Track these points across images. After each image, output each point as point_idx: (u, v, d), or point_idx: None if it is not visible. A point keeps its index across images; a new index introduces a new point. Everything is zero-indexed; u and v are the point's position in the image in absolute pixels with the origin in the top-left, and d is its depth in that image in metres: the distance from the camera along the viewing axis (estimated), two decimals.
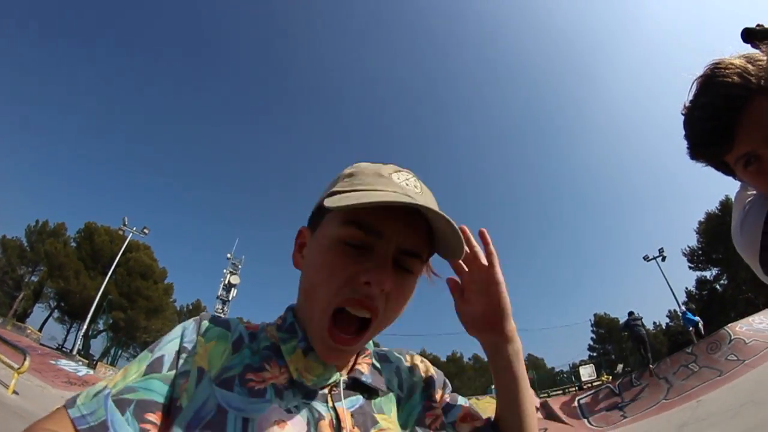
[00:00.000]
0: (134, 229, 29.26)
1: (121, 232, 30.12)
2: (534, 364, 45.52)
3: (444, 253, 0.67)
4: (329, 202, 0.57)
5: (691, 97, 0.90)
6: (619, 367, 19.49)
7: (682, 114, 0.93)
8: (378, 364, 0.74)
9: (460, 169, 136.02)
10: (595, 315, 43.32)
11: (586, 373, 20.30)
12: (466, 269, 0.75)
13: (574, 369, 25.24)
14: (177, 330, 0.64)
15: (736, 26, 0.86)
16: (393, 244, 0.61)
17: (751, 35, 0.84)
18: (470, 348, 50.95)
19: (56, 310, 35.24)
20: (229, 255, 40.28)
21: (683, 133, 0.93)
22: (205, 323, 0.64)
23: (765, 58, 0.80)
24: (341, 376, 0.65)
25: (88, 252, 32.89)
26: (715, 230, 32.03)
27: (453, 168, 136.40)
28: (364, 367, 0.69)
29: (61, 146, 76.96)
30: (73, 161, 77.90)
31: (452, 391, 0.80)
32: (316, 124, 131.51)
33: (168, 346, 0.61)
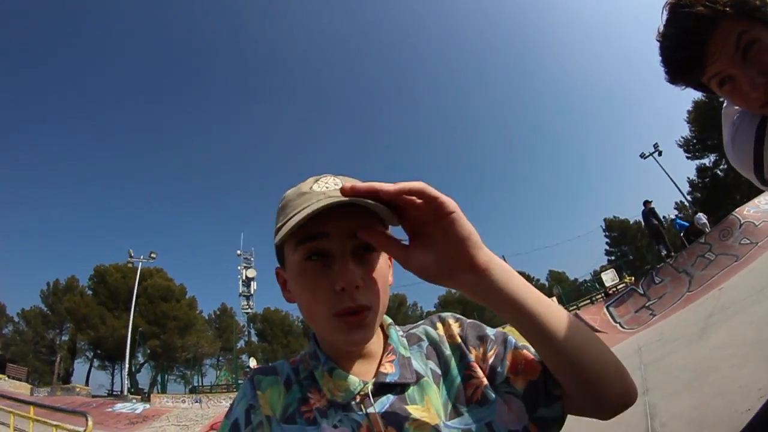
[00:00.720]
0: (141, 257, 29.48)
1: (130, 265, 30.43)
2: (557, 278, 46.26)
3: (388, 223, 0.65)
4: (277, 240, 0.64)
5: (662, 25, 0.94)
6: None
7: (657, 41, 0.97)
8: (406, 353, 0.74)
9: (451, 96, 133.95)
10: (605, 220, 43.79)
11: (609, 278, 20.52)
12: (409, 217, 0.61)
13: (597, 276, 25.75)
14: (239, 393, 0.72)
15: None
16: (342, 236, 0.63)
17: None
18: None
19: (95, 359, 36.13)
20: (239, 252, 40.52)
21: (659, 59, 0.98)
22: (258, 377, 0.73)
23: None
24: (367, 383, 0.68)
25: (106, 294, 33.25)
26: (705, 117, 31.82)
27: (440, 96, 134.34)
28: (388, 367, 0.71)
29: (47, 203, 76.62)
30: (64, 213, 77.87)
31: (497, 338, 0.76)
32: (300, 108, 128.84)
33: (237, 408, 0.69)
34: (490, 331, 0.78)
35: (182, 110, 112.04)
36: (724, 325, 6.16)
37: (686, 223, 17.51)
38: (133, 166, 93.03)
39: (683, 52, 0.90)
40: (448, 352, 0.76)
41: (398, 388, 0.68)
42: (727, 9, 0.82)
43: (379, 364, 0.72)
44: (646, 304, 13.17)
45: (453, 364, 0.74)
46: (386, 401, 0.67)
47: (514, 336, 0.76)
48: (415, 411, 0.66)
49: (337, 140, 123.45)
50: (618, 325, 13.21)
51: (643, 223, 15.83)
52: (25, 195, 76.04)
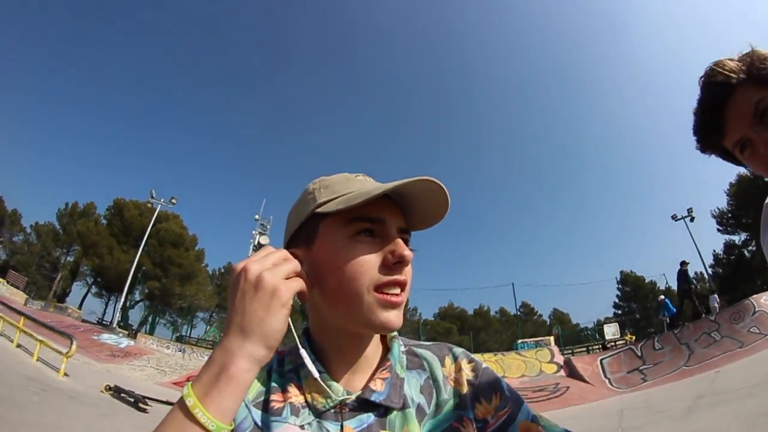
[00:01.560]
0: (162, 200, 29.71)
1: (149, 205, 30.82)
2: (559, 318, 45.60)
3: (416, 223, 0.74)
4: (332, 207, 0.67)
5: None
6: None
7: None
8: (402, 374, 0.72)
9: (484, 119, 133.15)
10: (621, 272, 42.97)
11: (610, 331, 20.42)
12: None
13: (599, 326, 25.42)
14: None
15: None
16: (394, 226, 0.68)
17: None
18: (497, 302, 51.40)
19: (93, 286, 36.98)
20: (257, 216, 40.95)
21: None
22: None
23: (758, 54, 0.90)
24: (350, 395, 0.66)
25: (119, 227, 34.00)
26: (746, 193, 30.93)
27: (476, 118, 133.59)
28: (378, 384, 0.69)
29: (82, 128, 78.75)
30: (95, 139, 79.87)
31: (512, 396, 0.73)
32: (340, 81, 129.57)
33: None
34: (505, 386, 0.75)
35: (238, 74, 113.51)
36: (711, 411, 6.03)
37: (674, 309, 17.38)
38: (177, 116, 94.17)
39: (705, 115, 0.97)
40: (445, 396, 0.72)
41: (381, 410, 0.67)
42: (743, 76, 0.89)
43: (371, 377, 0.70)
44: (640, 367, 13.07)
45: (446, 409, 0.71)
46: (365, 419, 0.65)
47: (499, 371, 0.74)
48: None
49: (377, 140, 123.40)
50: (607, 380, 13.14)
51: (676, 283, 15.73)
52: (69, 117, 77.64)
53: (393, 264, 0.65)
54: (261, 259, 0.59)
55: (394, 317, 0.65)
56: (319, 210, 0.68)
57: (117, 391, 8.65)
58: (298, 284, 0.60)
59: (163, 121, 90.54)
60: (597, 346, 20.14)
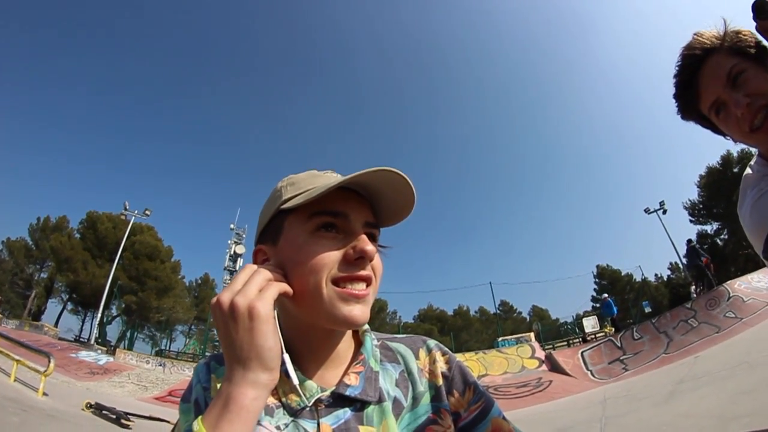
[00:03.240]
0: (136, 212, 28.97)
1: (123, 217, 29.94)
2: (539, 314, 46.17)
3: (387, 217, 0.73)
4: (293, 202, 0.67)
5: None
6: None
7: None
8: (377, 368, 0.73)
9: (461, 119, 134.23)
10: (597, 266, 43.74)
11: (590, 324, 20.63)
12: None
13: (578, 320, 25.77)
14: (194, 377, 0.72)
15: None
16: (360, 220, 0.67)
17: (761, 10, 0.91)
18: (476, 301, 51.72)
19: (69, 303, 35.74)
20: (232, 226, 40.38)
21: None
22: (214, 364, 0.72)
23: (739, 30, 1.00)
24: (325, 391, 0.66)
25: (93, 241, 33.04)
26: (716, 184, 32.06)
27: (455, 117, 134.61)
28: (352, 378, 0.69)
29: (53, 141, 76.66)
30: (66, 153, 77.92)
31: (484, 393, 0.75)
32: (321, 105, 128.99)
33: (196, 388, 0.69)
34: (477, 381, 0.76)
35: (210, 84, 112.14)
36: (692, 393, 6.18)
37: (616, 310, 18.09)
38: (147, 126, 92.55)
39: (680, 77, 1.06)
40: (421, 388, 0.73)
41: (358, 404, 0.67)
42: (718, 44, 0.99)
43: (345, 372, 0.70)
44: (621, 358, 13.30)
45: (423, 401, 0.72)
46: (342, 415, 0.65)
47: (473, 369, 0.75)
48: None
49: (347, 139, 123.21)
50: (589, 372, 13.33)
51: (686, 260, 16.21)
52: (40, 131, 75.35)
53: (355, 259, 0.64)
54: (230, 286, 0.59)
55: (358, 312, 0.64)
56: (283, 206, 0.68)
57: (98, 409, 8.41)
58: (275, 290, 0.60)
59: (134, 132, 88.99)
60: (577, 340, 20.40)
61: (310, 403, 0.65)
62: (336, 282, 0.63)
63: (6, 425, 5.89)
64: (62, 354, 15.54)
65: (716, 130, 1.11)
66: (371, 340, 0.77)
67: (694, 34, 1.03)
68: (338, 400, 0.66)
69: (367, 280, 0.66)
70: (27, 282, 34.67)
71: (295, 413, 0.64)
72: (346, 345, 0.74)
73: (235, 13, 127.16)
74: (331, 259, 0.64)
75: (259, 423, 0.61)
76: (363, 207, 0.69)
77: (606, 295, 19.20)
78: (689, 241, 15.84)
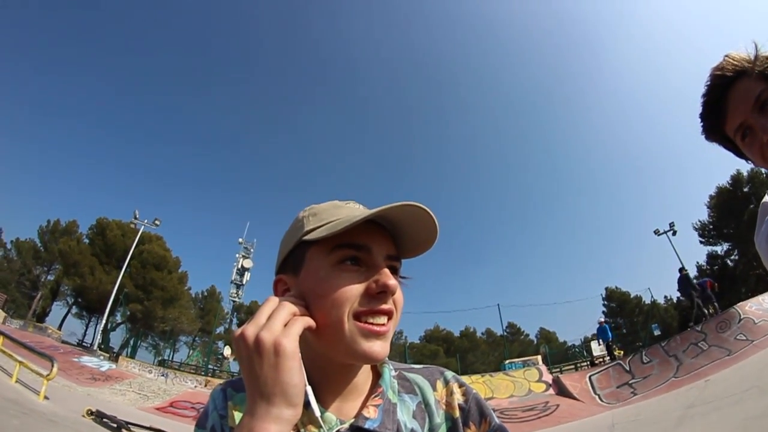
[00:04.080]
0: (146, 221, 29.38)
1: (132, 226, 30.36)
2: (546, 337, 45.58)
3: (409, 250, 0.73)
4: (316, 235, 0.67)
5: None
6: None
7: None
8: (394, 399, 0.72)
9: (469, 138, 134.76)
10: (606, 289, 43.14)
11: (598, 347, 20.42)
12: None
13: (586, 343, 25.47)
14: (210, 403, 0.72)
15: None
16: (382, 254, 0.67)
17: None
18: (483, 323, 51.28)
19: (74, 307, 35.97)
20: (240, 239, 40.63)
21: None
22: (230, 391, 0.72)
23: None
24: (344, 424, 0.66)
25: (102, 247, 33.31)
26: (726, 205, 31.80)
27: (463, 136, 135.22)
28: (371, 411, 0.68)
29: (66, 145, 77.89)
30: (80, 159, 78.98)
31: (498, 427, 0.75)
32: (323, 105, 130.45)
33: (212, 416, 0.70)
34: (493, 414, 0.77)
35: (224, 98, 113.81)
36: (702, 419, 6.06)
37: (611, 335, 17.81)
38: (161, 136, 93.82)
39: (708, 97, 1.06)
40: (438, 420, 0.74)
41: None
42: (749, 69, 0.98)
43: (363, 404, 0.70)
44: (630, 382, 13.12)
45: (441, 430, 0.73)
46: None
47: (488, 392, 0.75)
48: None
49: (361, 162, 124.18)
50: (597, 396, 13.17)
51: (679, 289, 15.94)
52: (55, 134, 76.58)
53: (377, 293, 0.64)
54: (254, 320, 0.58)
55: (378, 348, 0.64)
56: (305, 238, 0.68)
57: (99, 416, 8.36)
58: (300, 325, 0.59)
59: (149, 140, 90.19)
60: (585, 363, 20.14)
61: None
62: (358, 316, 0.64)
63: (6, 428, 5.87)
64: (64, 357, 15.54)
65: (738, 153, 1.11)
66: (389, 372, 0.77)
67: (726, 56, 1.03)
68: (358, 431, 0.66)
69: (389, 314, 0.66)
70: (33, 283, 34.91)
71: None
72: (364, 376, 0.74)
73: (257, 29, 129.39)
74: (353, 293, 0.64)
75: None
76: (385, 240, 0.69)
77: (602, 318, 18.88)
78: (681, 270, 15.61)
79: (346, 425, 0.66)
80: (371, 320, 0.64)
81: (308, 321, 0.61)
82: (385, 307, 0.65)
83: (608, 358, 17.30)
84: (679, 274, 15.63)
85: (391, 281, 0.64)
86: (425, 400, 0.75)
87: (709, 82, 1.05)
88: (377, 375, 0.76)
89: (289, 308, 0.60)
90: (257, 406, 0.53)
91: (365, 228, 0.66)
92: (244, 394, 0.68)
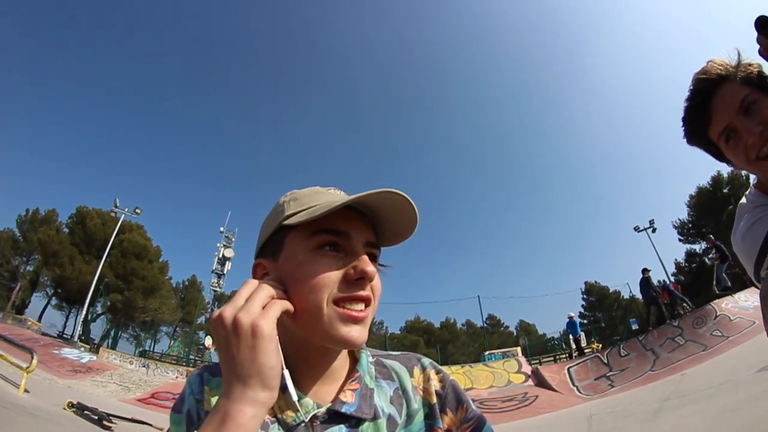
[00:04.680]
0: (126, 209, 28.82)
1: (113, 214, 29.72)
2: (526, 329, 46.03)
3: (389, 237, 0.74)
4: (296, 219, 0.67)
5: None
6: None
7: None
8: (372, 385, 0.73)
9: (452, 132, 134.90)
10: (585, 283, 43.77)
11: (580, 339, 20.77)
12: None
13: (565, 336, 25.85)
14: (186, 387, 0.71)
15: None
16: (361, 240, 0.68)
17: (764, 25, 0.93)
18: (463, 314, 51.60)
19: (54, 298, 35.25)
20: (222, 228, 40.10)
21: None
22: (207, 375, 0.71)
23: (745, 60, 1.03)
24: (321, 408, 0.66)
25: (82, 237, 32.63)
26: (705, 204, 32.73)
27: (446, 130, 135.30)
28: (348, 395, 0.69)
29: (47, 131, 75.97)
30: (60, 146, 77.20)
31: (476, 411, 0.76)
32: (318, 111, 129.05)
33: (189, 400, 0.68)
34: (470, 400, 0.77)
35: (205, 86, 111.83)
36: (678, 411, 6.20)
37: (579, 331, 17.90)
38: (141, 125, 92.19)
39: (692, 101, 1.08)
40: (416, 405, 0.74)
41: (353, 421, 0.67)
42: (732, 73, 1.02)
43: (340, 389, 0.71)
44: (607, 374, 13.30)
45: (417, 419, 0.72)
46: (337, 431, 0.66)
47: (467, 383, 0.75)
48: None
49: (342, 151, 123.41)
50: (575, 388, 13.34)
51: (640, 291, 15.96)
52: (35, 122, 74.62)
53: (355, 279, 0.65)
54: (233, 301, 0.57)
55: (356, 333, 0.64)
56: (285, 222, 0.69)
57: (80, 409, 8.27)
58: (278, 308, 0.59)
59: (128, 130, 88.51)
60: (564, 356, 20.42)
61: (307, 419, 0.65)
62: (336, 302, 0.64)
63: None
64: (45, 350, 15.26)
65: (719, 157, 1.14)
66: (367, 357, 0.78)
67: (709, 61, 1.06)
68: (334, 416, 0.66)
69: (366, 301, 0.66)
70: (12, 274, 34.05)
71: (290, 429, 0.64)
72: (341, 362, 0.74)
73: (233, 16, 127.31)
74: (331, 278, 0.64)
75: None
76: (365, 226, 0.69)
77: (572, 313, 18.85)
78: (644, 271, 15.56)
79: (323, 409, 0.66)
80: (349, 306, 0.64)
81: (286, 304, 0.61)
82: (363, 293, 0.65)
83: (576, 353, 17.44)
84: (641, 276, 15.66)
85: (370, 268, 0.65)
86: (402, 385, 0.76)
87: (692, 86, 1.07)
88: (354, 360, 0.76)
89: (267, 291, 0.59)
90: (233, 388, 0.53)
91: (345, 214, 0.67)
92: (220, 379, 0.68)
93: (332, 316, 0.63)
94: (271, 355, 0.55)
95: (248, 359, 0.54)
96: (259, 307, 0.57)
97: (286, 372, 0.62)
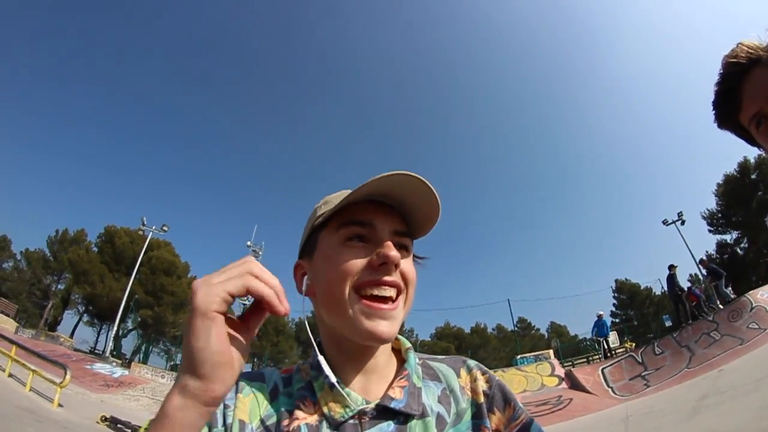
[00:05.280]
0: (153, 227, 29.47)
1: (141, 232, 30.42)
2: (557, 331, 45.45)
3: (419, 224, 0.73)
4: (323, 217, 0.70)
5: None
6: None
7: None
8: (419, 384, 0.72)
9: (477, 135, 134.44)
10: (616, 281, 42.90)
11: (610, 340, 20.36)
12: None
13: (596, 337, 25.37)
14: None
15: None
16: (387, 229, 0.69)
17: None
18: (494, 319, 51.17)
19: (85, 315, 36.38)
20: (249, 243, 40.71)
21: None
22: (242, 381, 0.67)
23: None
24: (370, 404, 0.65)
25: (111, 255, 33.56)
26: (733, 192, 31.47)
27: (470, 131, 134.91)
28: (397, 392, 0.68)
29: (71, 153, 78.55)
30: (87, 166, 79.74)
31: (524, 410, 0.74)
32: (327, 105, 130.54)
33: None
34: (517, 399, 0.76)
35: (228, 103, 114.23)
36: (717, 409, 6.00)
37: (604, 332, 17.39)
38: (167, 140, 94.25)
39: (722, 86, 1.03)
40: (463, 405, 0.73)
41: (401, 418, 0.65)
42: (764, 55, 0.96)
43: (389, 386, 0.69)
44: (642, 374, 13.02)
45: (465, 418, 0.71)
46: (386, 428, 0.64)
47: (510, 385, 0.75)
48: None
49: (369, 159, 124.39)
50: (610, 389, 13.08)
51: (666, 287, 15.54)
52: (60, 142, 77.27)
53: (378, 265, 0.65)
54: (213, 273, 0.51)
55: (383, 328, 0.63)
56: (315, 222, 0.72)
57: (113, 422, 8.45)
58: (238, 282, 0.50)
59: (154, 146, 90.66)
60: (597, 356, 20.02)
61: (355, 413, 0.63)
62: (360, 289, 0.64)
63: None
64: (77, 365, 15.68)
65: (751, 141, 1.09)
66: (414, 358, 0.77)
67: (739, 44, 1.01)
68: (382, 412, 0.65)
69: (394, 286, 0.66)
70: (44, 293, 35.30)
71: (338, 425, 0.62)
72: (386, 359, 0.74)
73: (261, 30, 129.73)
74: (356, 267, 0.65)
75: None
76: (391, 216, 0.70)
77: (601, 312, 18.17)
78: (670, 267, 15.12)
79: (372, 405, 0.65)
80: (375, 292, 0.64)
81: (246, 284, 0.50)
82: (388, 278, 0.65)
83: (600, 355, 17.04)
84: (668, 273, 15.23)
85: (393, 252, 0.64)
86: (450, 386, 0.75)
87: (722, 70, 1.03)
88: (402, 361, 0.76)
89: (248, 266, 0.51)
90: (179, 372, 0.49)
91: (370, 206, 0.69)
92: (258, 384, 0.69)
93: (357, 309, 0.64)
94: (203, 335, 0.47)
95: (187, 339, 0.48)
96: (223, 279, 0.50)
97: (321, 358, 0.65)
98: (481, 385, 0.75)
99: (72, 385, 10.95)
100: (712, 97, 1.07)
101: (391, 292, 0.65)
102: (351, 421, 0.63)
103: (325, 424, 0.62)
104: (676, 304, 15.03)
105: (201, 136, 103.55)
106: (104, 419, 8.47)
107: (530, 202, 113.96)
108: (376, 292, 0.64)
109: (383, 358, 0.73)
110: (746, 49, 0.98)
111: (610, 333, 17.64)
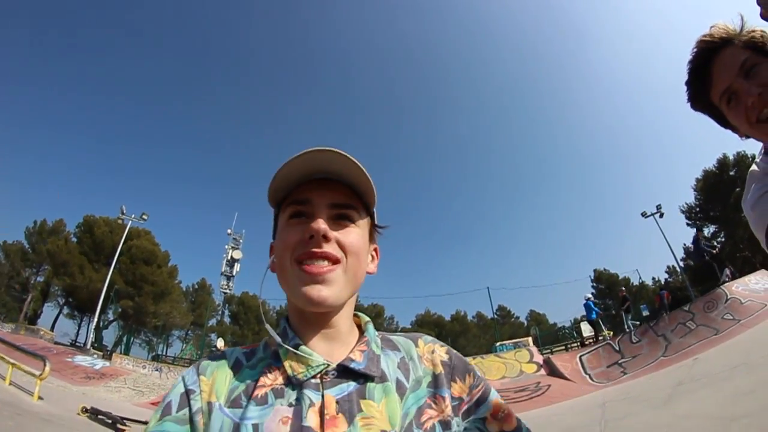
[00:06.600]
0: (133, 216, 28.78)
1: (120, 221, 29.73)
2: (537, 319, 45.87)
3: (365, 193, 0.77)
4: (269, 200, 0.78)
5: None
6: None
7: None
8: (378, 351, 0.75)
9: (456, 123, 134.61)
10: (595, 270, 43.51)
11: (587, 328, 20.44)
12: None
13: (576, 324, 25.74)
14: (179, 379, 0.71)
15: None
16: (322, 203, 0.73)
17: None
18: (474, 307, 51.50)
19: (65, 307, 35.59)
20: (229, 230, 40.37)
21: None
22: (204, 363, 0.72)
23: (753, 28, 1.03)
24: (331, 364, 0.68)
25: (90, 245, 32.91)
26: (712, 188, 32.21)
27: (450, 120, 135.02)
28: (357, 354, 0.71)
29: (50, 143, 76.63)
30: (64, 157, 77.85)
31: (483, 378, 0.79)
32: (320, 107, 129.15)
33: (173, 391, 0.68)
34: (475, 368, 0.80)
35: (208, 91, 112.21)
36: (691, 395, 6.17)
37: (594, 313, 17.47)
38: (144, 130, 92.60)
39: (694, 64, 1.09)
40: (421, 373, 0.76)
41: (361, 379, 0.69)
42: (734, 37, 1.02)
43: (351, 351, 0.73)
44: (619, 361, 13.29)
45: (423, 385, 0.74)
46: (346, 388, 0.67)
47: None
48: (369, 408, 0.65)
49: (345, 143, 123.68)
50: (588, 376, 13.34)
51: (693, 249, 15.85)
52: (31, 130, 75.27)
53: (309, 238, 0.69)
54: None
55: (316, 291, 0.68)
56: (272, 206, 0.80)
57: (94, 413, 8.30)
58: None
59: (131, 136, 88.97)
60: (575, 344, 20.34)
61: (317, 373, 0.67)
62: (299, 261, 0.70)
63: (1, 429, 5.83)
64: (58, 358, 15.44)
65: (723, 122, 1.13)
66: (373, 330, 0.80)
67: (712, 26, 1.06)
68: (343, 373, 0.68)
69: (326, 257, 0.70)
70: (23, 286, 34.45)
71: (301, 384, 0.66)
72: (349, 330, 0.77)
73: (234, 17, 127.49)
74: (293, 241, 0.71)
75: (272, 406, 0.64)
76: (331, 191, 0.74)
77: (589, 295, 18.47)
78: (698, 230, 15.62)
79: (334, 365, 0.68)
80: (308, 263, 0.69)
81: None
82: (317, 250, 0.69)
83: (592, 339, 17.34)
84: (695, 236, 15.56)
85: (316, 225, 0.69)
86: (408, 354, 0.79)
87: (695, 48, 1.08)
88: (362, 331, 0.80)
89: None
90: None
91: (311, 183, 0.74)
92: (219, 362, 0.73)
93: (295, 275, 0.69)
94: None
95: None
96: None
97: (267, 326, 0.73)
98: (440, 356, 0.79)
99: (53, 378, 10.79)
100: (686, 75, 1.12)
101: (323, 263, 0.69)
102: (313, 380, 0.66)
103: (289, 385, 0.66)
104: (704, 262, 15.16)
105: (180, 125, 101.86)
106: (85, 410, 8.32)
107: (510, 191, 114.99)
108: (309, 263, 0.69)
109: (345, 329, 0.76)
110: (719, 29, 1.04)
111: (593, 317, 17.75)
